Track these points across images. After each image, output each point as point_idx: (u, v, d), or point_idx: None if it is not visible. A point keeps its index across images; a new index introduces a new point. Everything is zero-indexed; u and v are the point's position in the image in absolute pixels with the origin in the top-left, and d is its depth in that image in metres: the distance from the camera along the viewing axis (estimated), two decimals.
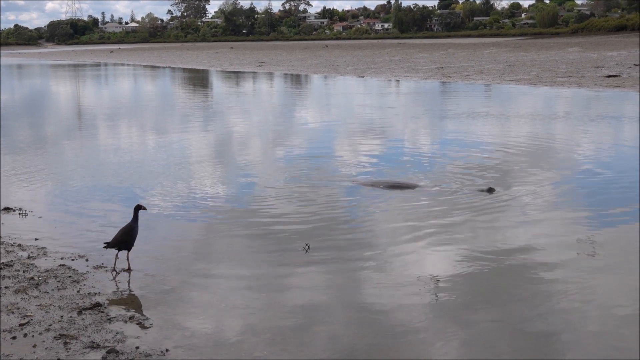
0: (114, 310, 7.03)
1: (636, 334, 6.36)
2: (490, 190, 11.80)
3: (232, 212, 10.97)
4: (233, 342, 6.35)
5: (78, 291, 7.54)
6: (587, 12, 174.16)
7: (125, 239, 8.20)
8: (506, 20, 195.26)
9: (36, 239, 9.49)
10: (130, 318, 6.83)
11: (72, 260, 8.59)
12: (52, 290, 7.57)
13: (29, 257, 8.69)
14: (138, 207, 8.41)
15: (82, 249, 8.99)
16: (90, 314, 6.90)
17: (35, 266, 8.34)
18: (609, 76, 35.92)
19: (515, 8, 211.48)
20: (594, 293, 7.38)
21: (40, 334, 6.42)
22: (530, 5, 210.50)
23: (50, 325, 6.61)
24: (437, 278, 7.85)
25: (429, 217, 10.41)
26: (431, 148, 17.05)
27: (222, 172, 14.46)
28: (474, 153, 15.66)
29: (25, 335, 6.38)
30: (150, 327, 6.64)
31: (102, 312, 6.96)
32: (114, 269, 8.22)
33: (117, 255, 8.31)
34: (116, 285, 7.82)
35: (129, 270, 8.20)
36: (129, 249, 8.28)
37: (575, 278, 7.77)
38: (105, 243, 8.26)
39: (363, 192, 12.07)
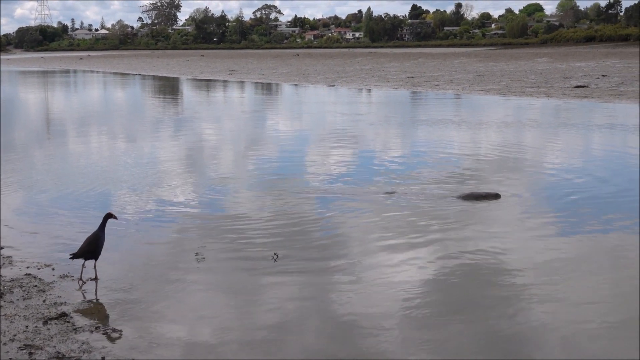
0: (81, 320, 6.93)
1: (609, 339, 6.42)
2: (497, 196, 11.90)
3: (202, 220, 10.89)
4: (202, 352, 6.29)
5: (44, 301, 7.43)
6: (556, 23, 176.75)
7: (91, 249, 8.09)
8: (476, 31, 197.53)
9: (1, 248, 9.33)
10: (97, 328, 6.73)
11: (38, 269, 8.47)
12: (17, 299, 7.45)
13: None
14: (108, 216, 8.32)
15: (49, 258, 8.86)
16: (56, 323, 6.80)
17: (0, 275, 8.21)
18: (577, 86, 36.39)
19: (485, 18, 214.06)
20: (565, 299, 7.43)
21: (5, 344, 6.31)
22: (500, 16, 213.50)
23: (15, 335, 6.50)
24: (408, 285, 7.86)
25: (402, 224, 10.43)
26: (401, 155, 17.07)
27: (192, 180, 14.36)
28: (445, 161, 15.76)
29: None
30: (117, 337, 6.56)
31: (68, 322, 6.86)
32: (80, 279, 8.11)
33: (83, 264, 8.20)
34: (83, 294, 7.71)
35: (95, 279, 8.09)
36: (95, 258, 8.17)
37: (548, 285, 7.83)
38: (71, 254, 8.14)
39: (334, 201, 12.05)
